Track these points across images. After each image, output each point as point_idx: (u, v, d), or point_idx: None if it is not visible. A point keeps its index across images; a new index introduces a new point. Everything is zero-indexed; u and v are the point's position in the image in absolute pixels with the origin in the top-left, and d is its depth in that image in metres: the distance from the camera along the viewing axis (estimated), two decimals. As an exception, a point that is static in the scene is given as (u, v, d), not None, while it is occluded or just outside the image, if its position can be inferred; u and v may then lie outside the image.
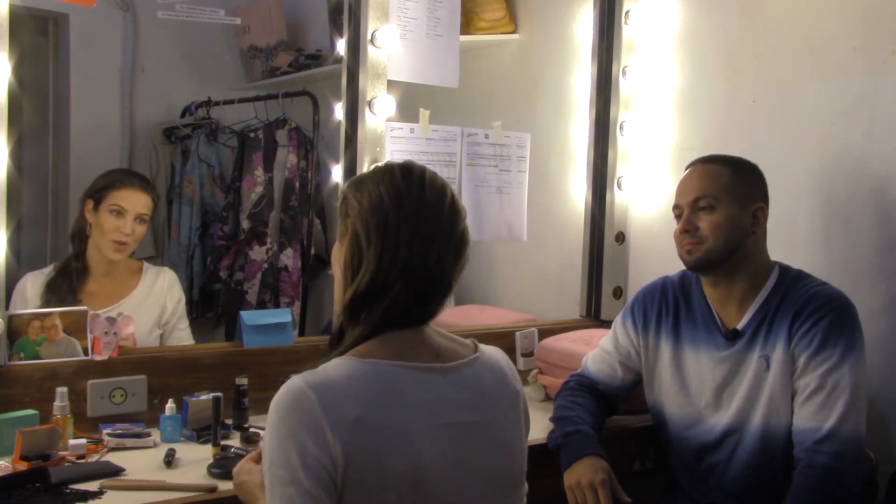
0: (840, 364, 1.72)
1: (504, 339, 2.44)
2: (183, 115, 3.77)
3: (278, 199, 3.46)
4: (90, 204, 2.33)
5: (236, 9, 3.54)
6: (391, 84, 2.24)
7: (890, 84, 2.09)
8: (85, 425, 1.90)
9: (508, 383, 1.32)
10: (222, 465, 1.68)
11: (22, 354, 1.91)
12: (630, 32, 2.69)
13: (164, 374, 2.03)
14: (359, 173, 1.37)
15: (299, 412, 1.14)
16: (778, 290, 1.84)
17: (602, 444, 1.82)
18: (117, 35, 3.69)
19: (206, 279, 3.51)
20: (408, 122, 2.31)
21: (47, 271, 2.35)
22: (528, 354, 2.47)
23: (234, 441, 1.88)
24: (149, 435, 1.87)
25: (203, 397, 1.94)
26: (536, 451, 1.85)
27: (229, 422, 1.98)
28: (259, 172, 3.42)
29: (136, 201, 2.33)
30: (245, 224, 3.40)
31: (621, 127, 2.70)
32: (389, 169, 1.28)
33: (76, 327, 1.97)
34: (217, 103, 3.71)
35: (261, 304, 3.39)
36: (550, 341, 2.41)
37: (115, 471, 1.68)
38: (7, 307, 1.91)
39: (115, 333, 1.98)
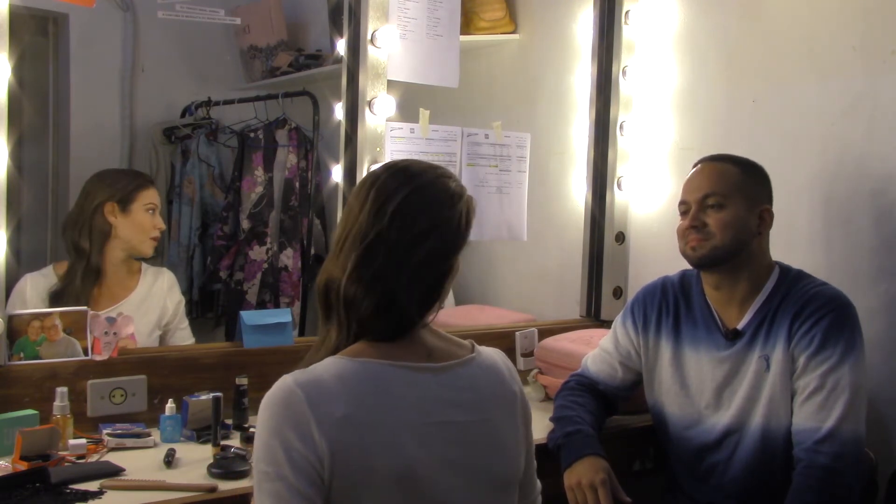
0: (840, 364, 1.72)
1: (504, 339, 2.44)
2: (183, 115, 3.77)
3: (278, 199, 3.46)
4: (114, 207, 2.34)
5: (236, 9, 3.54)
6: (391, 84, 2.24)
7: (890, 84, 2.09)
8: (85, 425, 1.90)
9: (505, 384, 1.32)
10: (222, 465, 1.68)
11: (22, 354, 1.91)
12: (630, 32, 2.69)
13: (164, 374, 2.03)
14: (361, 168, 1.35)
15: (287, 410, 1.15)
16: (778, 290, 1.84)
17: (602, 444, 1.82)
18: (117, 35, 3.69)
19: (206, 279, 3.51)
20: (408, 122, 2.31)
21: (47, 273, 2.34)
22: (528, 354, 2.47)
23: (234, 441, 1.87)
24: (149, 435, 1.87)
25: (203, 397, 1.94)
26: (536, 450, 1.85)
27: (229, 422, 1.99)
28: (259, 172, 3.42)
29: (158, 199, 2.46)
30: (245, 224, 3.40)
31: (621, 127, 2.70)
32: (386, 180, 1.26)
33: (76, 327, 1.97)
34: (217, 103, 3.70)
35: (261, 304, 3.39)
36: (550, 341, 2.41)
37: (115, 471, 1.68)
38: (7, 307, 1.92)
39: (115, 333, 1.98)
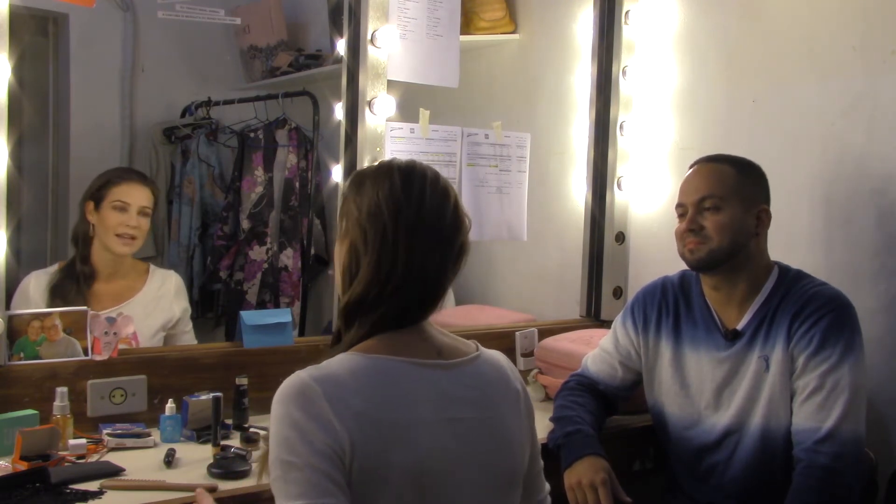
0: (839, 364, 1.72)
1: (504, 339, 2.44)
2: (183, 115, 3.77)
3: (278, 199, 3.46)
4: (91, 205, 2.34)
5: (236, 9, 3.54)
6: (391, 84, 2.24)
7: (890, 84, 2.09)
8: (85, 425, 1.90)
9: (510, 383, 1.33)
10: (222, 465, 1.68)
11: (22, 354, 1.91)
12: (630, 32, 2.69)
13: (164, 374, 2.03)
14: (362, 167, 1.36)
15: (306, 403, 1.13)
16: (777, 290, 1.84)
17: (602, 444, 1.82)
18: (117, 35, 3.69)
19: (206, 279, 3.51)
20: (408, 122, 2.31)
21: (52, 271, 2.35)
22: (528, 354, 2.47)
23: (234, 441, 1.87)
24: (149, 435, 1.87)
25: (203, 397, 1.94)
26: (536, 451, 1.86)
27: (229, 422, 1.98)
28: (259, 172, 3.42)
29: (137, 195, 2.36)
30: (245, 224, 3.40)
31: (621, 127, 2.70)
32: (390, 172, 1.27)
33: (76, 327, 1.97)
34: (217, 103, 3.71)
35: (261, 304, 3.39)
36: (550, 341, 2.41)
37: (115, 471, 1.67)
38: (8, 306, 1.91)
39: (115, 333, 1.97)
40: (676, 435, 1.93)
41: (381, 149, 2.23)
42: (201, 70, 3.88)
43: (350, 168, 2.22)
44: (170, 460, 1.74)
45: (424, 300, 1.26)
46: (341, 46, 2.26)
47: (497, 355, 1.36)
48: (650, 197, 2.69)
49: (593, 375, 2.06)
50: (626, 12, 2.67)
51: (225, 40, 3.97)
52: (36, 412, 1.83)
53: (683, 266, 1.92)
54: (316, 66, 3.57)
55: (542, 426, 1.98)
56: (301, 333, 3.34)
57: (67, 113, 3.58)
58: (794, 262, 1.92)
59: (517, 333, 2.48)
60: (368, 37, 2.17)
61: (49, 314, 1.96)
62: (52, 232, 3.61)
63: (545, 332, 2.49)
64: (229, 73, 3.94)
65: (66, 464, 1.70)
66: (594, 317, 2.75)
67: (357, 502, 1.13)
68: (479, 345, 1.34)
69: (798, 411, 1.75)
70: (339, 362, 1.19)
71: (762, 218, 1.85)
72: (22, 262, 2.59)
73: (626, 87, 2.70)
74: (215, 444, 1.81)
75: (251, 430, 1.91)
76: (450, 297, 3.04)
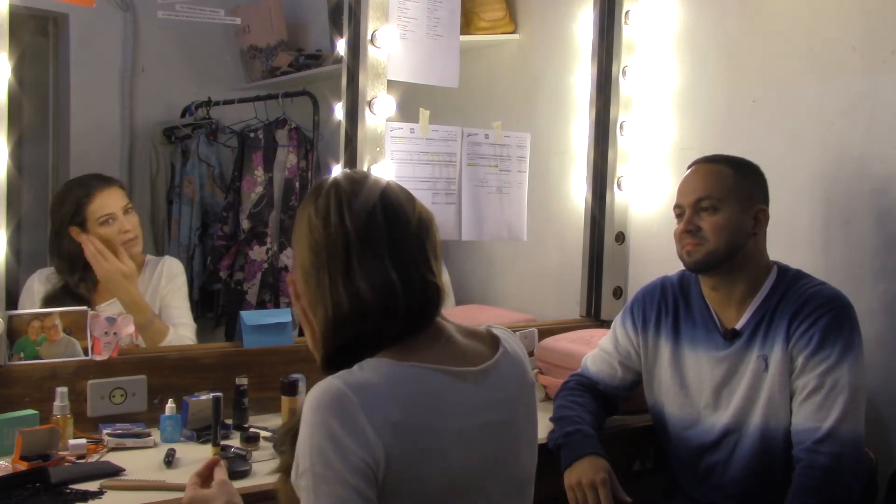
0: (838, 364, 1.72)
1: (504, 339, 2.44)
2: (183, 115, 3.77)
3: (278, 199, 3.46)
4: (76, 230, 2.27)
5: (236, 9, 3.54)
6: (391, 84, 2.24)
7: (890, 84, 2.09)
8: (85, 425, 1.90)
9: (527, 378, 1.30)
10: (222, 465, 1.68)
11: (22, 354, 1.91)
12: (630, 32, 2.69)
13: (164, 374, 2.03)
14: (358, 168, 1.33)
15: (342, 412, 1.09)
16: (776, 289, 1.84)
17: (602, 444, 1.82)
18: (117, 35, 3.69)
19: (206, 279, 3.51)
20: (408, 122, 2.31)
21: (57, 287, 2.30)
22: (528, 354, 2.46)
23: (234, 441, 1.88)
24: (149, 435, 1.87)
25: (203, 397, 1.94)
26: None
27: (229, 422, 1.99)
28: (259, 172, 3.42)
29: (113, 199, 2.31)
30: (245, 224, 3.40)
31: (621, 127, 2.70)
32: (327, 194, 1.22)
33: (76, 327, 1.97)
34: (217, 103, 3.70)
35: (261, 304, 3.39)
36: (550, 341, 2.41)
37: (115, 471, 1.68)
38: (8, 306, 1.91)
39: (115, 333, 1.97)
40: (676, 435, 1.93)
41: (381, 149, 2.23)
42: (201, 70, 3.87)
43: (350, 168, 2.22)
44: (170, 460, 1.75)
45: (424, 307, 1.21)
46: (341, 46, 2.26)
47: (514, 344, 1.31)
48: (650, 197, 2.69)
49: (593, 375, 2.06)
50: (626, 12, 2.67)
51: (225, 40, 3.97)
52: (36, 412, 1.83)
53: (683, 266, 1.92)
54: (316, 66, 3.57)
55: (542, 426, 1.98)
56: (301, 333, 3.33)
57: (67, 113, 3.58)
58: (794, 261, 1.92)
59: (517, 333, 2.47)
60: (368, 37, 2.17)
61: (49, 314, 1.96)
62: (52, 246, 3.60)
63: (545, 332, 2.49)
64: (229, 73, 3.94)
65: (66, 464, 1.70)
66: (594, 317, 2.75)
67: None
68: (493, 334, 1.30)
69: (797, 411, 1.75)
70: (373, 368, 1.15)
71: (760, 218, 1.85)
72: (22, 262, 2.59)
73: (626, 87, 2.70)
74: (215, 444, 1.81)
75: (251, 430, 1.91)
76: (450, 297, 3.06)
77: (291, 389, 2.00)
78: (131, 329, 2.05)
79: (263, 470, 1.69)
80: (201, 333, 2.61)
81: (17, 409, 1.83)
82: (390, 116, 2.24)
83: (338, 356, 1.19)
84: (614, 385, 2.04)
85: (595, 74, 2.71)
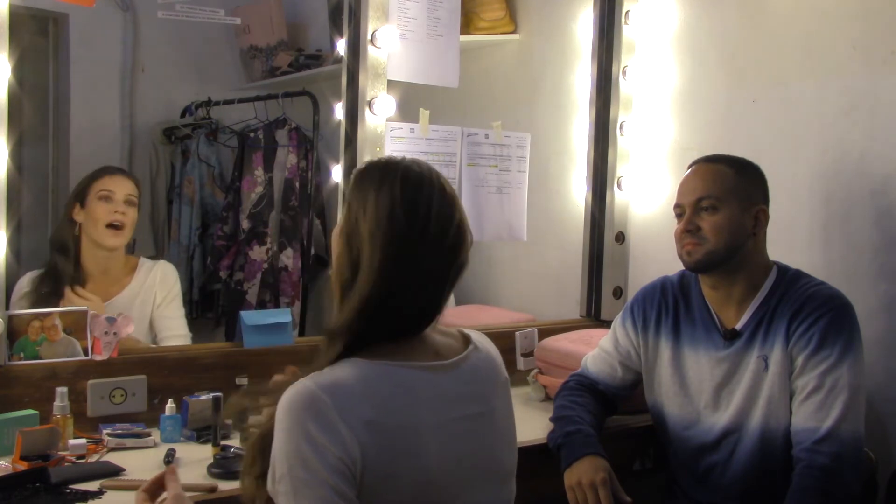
0: (838, 364, 1.72)
1: (504, 339, 2.43)
2: (183, 115, 3.77)
3: (278, 199, 3.46)
4: (76, 206, 2.33)
5: (236, 9, 3.54)
6: (391, 84, 2.24)
7: (890, 84, 2.09)
8: (85, 425, 1.90)
9: (500, 373, 1.33)
10: (222, 465, 1.68)
11: (22, 354, 1.91)
12: (630, 32, 2.69)
13: (164, 374, 2.03)
14: (369, 162, 1.32)
15: (314, 414, 1.11)
16: (776, 289, 1.84)
17: (602, 444, 1.82)
18: (117, 35, 3.69)
19: (206, 279, 3.51)
20: (408, 122, 2.31)
21: (41, 271, 2.33)
22: (528, 354, 2.46)
23: (234, 441, 1.87)
24: (149, 435, 1.87)
25: (203, 397, 1.94)
26: (536, 450, 1.87)
27: (229, 422, 1.98)
28: (259, 172, 3.42)
29: (121, 184, 2.35)
30: (245, 224, 3.40)
31: (621, 127, 2.70)
32: (397, 176, 1.22)
33: (76, 327, 1.97)
34: (217, 103, 3.71)
35: (261, 304, 3.39)
36: (550, 341, 2.40)
37: (115, 471, 1.68)
38: (8, 306, 1.91)
39: (115, 333, 1.98)
40: (676, 435, 1.93)
41: (382, 149, 2.23)
42: (201, 70, 3.88)
43: (350, 168, 2.22)
44: (170, 460, 1.75)
45: (418, 319, 1.24)
46: (341, 46, 2.26)
47: (484, 341, 1.34)
48: (650, 197, 2.69)
49: (593, 375, 2.06)
50: (626, 12, 2.67)
51: (225, 40, 3.97)
52: (36, 412, 1.83)
53: (683, 266, 1.92)
54: (316, 66, 3.57)
55: (542, 426, 1.99)
56: (301, 333, 3.34)
57: (67, 113, 3.59)
58: (794, 261, 1.92)
59: (517, 333, 2.47)
60: (368, 37, 2.17)
61: (49, 314, 1.96)
62: (54, 227, 3.61)
63: (545, 332, 2.48)
64: (229, 73, 3.94)
65: (66, 464, 1.70)
66: (594, 317, 2.75)
67: None
68: (468, 335, 1.33)
69: (797, 411, 1.75)
70: (345, 369, 1.16)
71: (760, 218, 1.85)
72: (22, 262, 2.59)
73: (626, 87, 2.70)
74: (215, 444, 1.81)
75: (250, 430, 1.90)
76: (450, 297, 3.06)
77: (291, 389, 2.00)
78: (131, 329, 2.05)
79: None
80: (201, 333, 2.62)
81: (17, 409, 1.83)
82: (390, 116, 2.24)
83: (359, 332, 1.20)
84: (614, 385, 2.04)
85: (595, 74, 2.71)
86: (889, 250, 2.09)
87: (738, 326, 1.85)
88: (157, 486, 1.22)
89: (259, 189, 3.41)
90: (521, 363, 2.44)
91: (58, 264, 2.32)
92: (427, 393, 1.19)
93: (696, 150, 2.41)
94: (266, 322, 2.17)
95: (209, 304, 3.59)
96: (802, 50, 2.26)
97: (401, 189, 1.21)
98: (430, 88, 2.37)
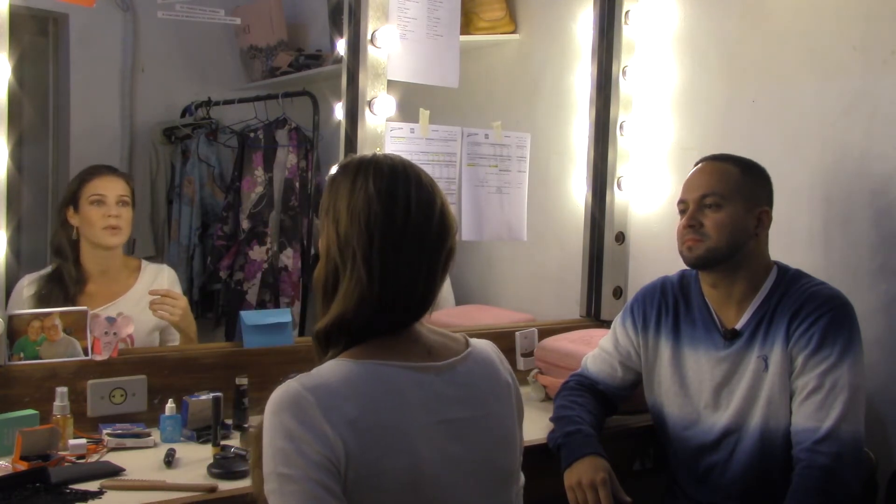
0: (838, 364, 1.72)
1: (504, 339, 2.44)
2: (183, 115, 3.77)
3: (278, 199, 3.46)
4: (70, 210, 2.33)
5: (236, 9, 3.54)
6: (391, 84, 2.24)
7: (890, 84, 2.09)
8: (85, 425, 1.90)
9: (500, 377, 1.32)
10: (222, 465, 1.68)
11: (22, 354, 1.91)
12: (630, 32, 2.69)
13: (164, 374, 2.03)
14: (339, 164, 1.32)
15: (299, 413, 1.12)
16: (776, 289, 1.84)
17: (602, 444, 1.82)
18: (117, 35, 3.70)
19: (206, 279, 3.51)
20: (408, 122, 2.31)
21: (44, 274, 2.33)
22: (528, 354, 2.47)
23: (234, 441, 1.88)
24: (149, 435, 1.87)
25: (203, 397, 1.94)
26: (536, 450, 1.86)
27: (229, 422, 1.98)
28: (259, 172, 3.42)
29: (111, 186, 2.35)
30: (245, 224, 3.40)
31: (621, 127, 2.70)
32: (370, 171, 1.22)
33: (76, 327, 1.97)
34: (217, 103, 3.71)
35: (261, 304, 3.39)
36: (550, 341, 2.41)
37: (115, 471, 1.68)
38: (7, 306, 1.91)
39: (115, 333, 1.98)
40: (676, 435, 1.93)
41: (382, 149, 2.23)
42: (201, 70, 3.88)
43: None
44: (170, 460, 1.75)
45: (412, 310, 1.24)
46: (341, 46, 2.26)
47: (487, 347, 1.34)
48: (650, 197, 2.69)
49: (593, 375, 2.06)
50: (626, 12, 2.67)
51: (225, 40, 3.97)
52: (36, 412, 1.83)
53: (683, 266, 1.92)
54: (316, 66, 3.57)
55: (542, 426, 1.99)
56: (301, 333, 3.34)
57: (67, 113, 3.59)
58: (794, 261, 1.93)
59: (517, 333, 2.47)
60: (368, 37, 2.17)
61: (49, 314, 1.96)
62: (52, 232, 3.61)
63: (545, 332, 2.49)
64: (229, 73, 3.94)
65: (66, 464, 1.70)
66: (594, 317, 2.75)
67: None
68: (468, 338, 1.33)
69: (797, 411, 1.75)
70: (330, 369, 1.17)
71: (763, 219, 1.85)
72: (22, 262, 2.59)
73: (626, 87, 2.70)
74: (215, 444, 1.81)
75: (251, 429, 1.91)
76: (450, 297, 3.07)
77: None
78: (131, 329, 2.05)
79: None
80: (201, 333, 2.62)
81: (17, 409, 1.83)
82: (390, 116, 2.24)
83: (338, 329, 1.21)
84: (614, 385, 2.04)
85: (595, 74, 2.71)
86: (889, 250, 2.09)
87: (738, 326, 1.85)
88: None
89: (259, 189, 3.41)
90: (521, 363, 2.44)
91: (61, 268, 2.33)
92: (415, 393, 1.19)
93: (696, 150, 2.41)
94: (266, 322, 2.17)
95: (209, 304, 3.59)
96: (802, 50, 2.26)
97: (374, 183, 1.21)
98: (430, 88, 2.37)
